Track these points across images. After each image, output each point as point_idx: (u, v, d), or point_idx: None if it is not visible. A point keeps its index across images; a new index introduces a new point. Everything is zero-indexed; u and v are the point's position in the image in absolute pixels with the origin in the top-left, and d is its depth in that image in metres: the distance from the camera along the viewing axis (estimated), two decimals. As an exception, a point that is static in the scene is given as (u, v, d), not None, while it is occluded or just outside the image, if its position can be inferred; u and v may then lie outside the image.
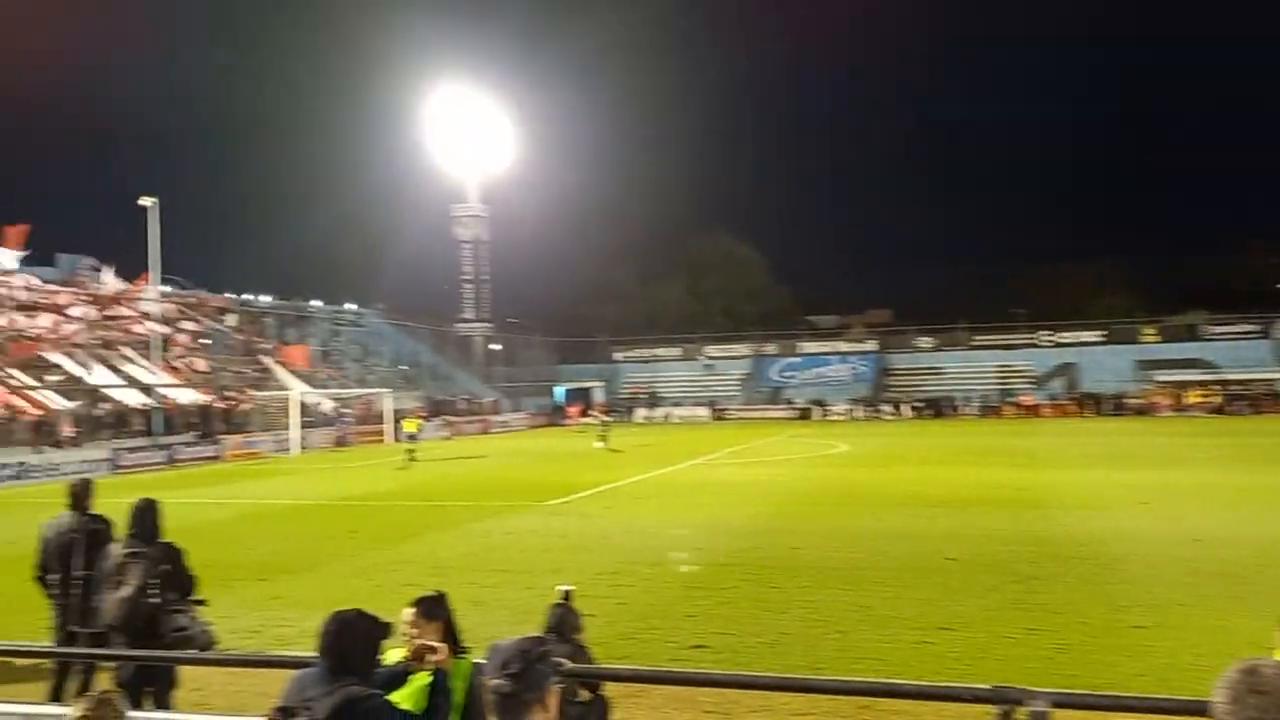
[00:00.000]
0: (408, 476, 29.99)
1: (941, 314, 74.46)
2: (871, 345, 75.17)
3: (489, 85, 76.22)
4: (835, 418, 64.87)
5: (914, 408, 65.37)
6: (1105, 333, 69.79)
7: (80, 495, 8.33)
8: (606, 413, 48.68)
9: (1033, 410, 62.65)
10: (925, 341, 74.47)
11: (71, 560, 8.00)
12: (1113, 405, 61.42)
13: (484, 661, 3.98)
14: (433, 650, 4.13)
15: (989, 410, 64.20)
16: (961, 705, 4.90)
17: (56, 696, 7.53)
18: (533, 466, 33.39)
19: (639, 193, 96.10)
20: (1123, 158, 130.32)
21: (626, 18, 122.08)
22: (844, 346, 75.84)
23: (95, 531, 8.08)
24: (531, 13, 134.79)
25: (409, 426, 36.79)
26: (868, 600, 11.66)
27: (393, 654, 4.34)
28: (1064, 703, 4.62)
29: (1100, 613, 10.87)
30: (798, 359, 75.67)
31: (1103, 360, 66.40)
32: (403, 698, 4.07)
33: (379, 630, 3.94)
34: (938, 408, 65.01)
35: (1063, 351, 69.31)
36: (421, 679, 4.11)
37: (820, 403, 67.65)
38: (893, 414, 64.91)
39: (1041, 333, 71.11)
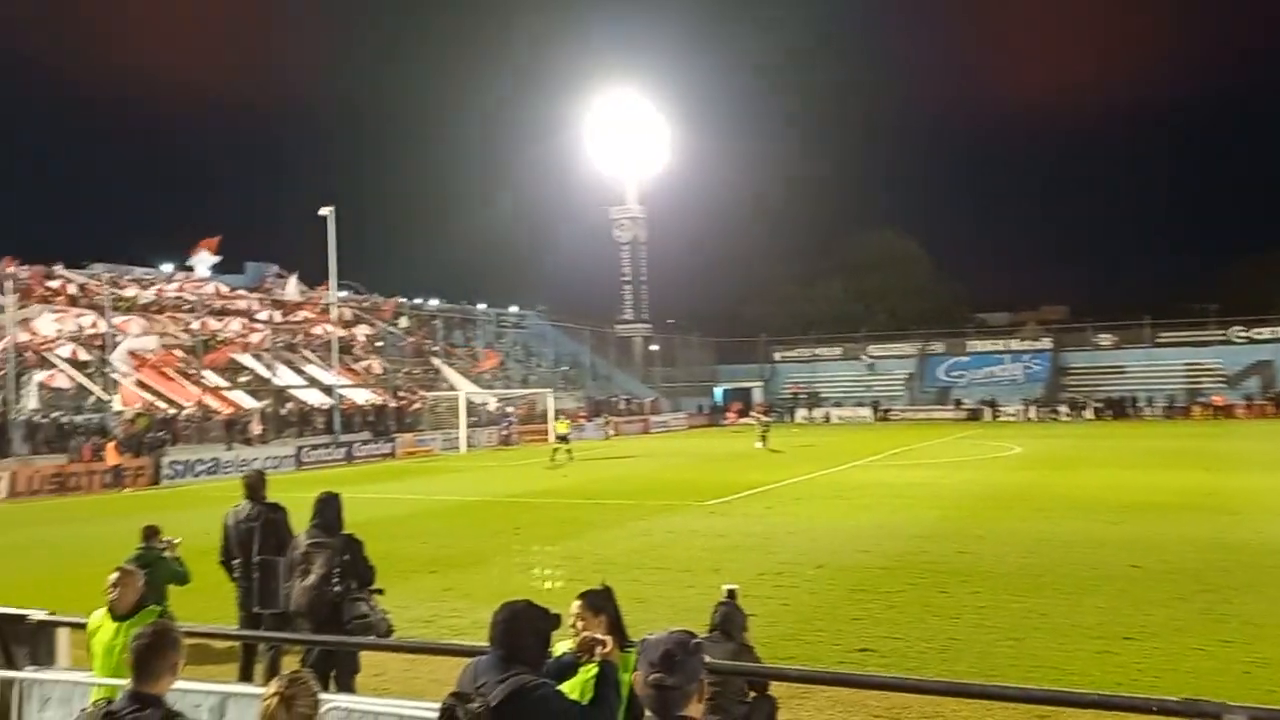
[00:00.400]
0: (572, 475, 30.51)
1: (1122, 310, 70.83)
2: (1046, 343, 72.15)
3: (647, 86, 76.98)
4: (1007, 419, 62.59)
5: (1093, 408, 62.45)
6: (1307, 327, 64.95)
7: (255, 486, 8.87)
8: (766, 413, 48.45)
9: (1224, 411, 58.84)
10: (1105, 339, 70.93)
11: (250, 546, 8.51)
12: (1315, 406, 57.17)
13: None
14: (601, 643, 4.18)
15: (1176, 411, 60.65)
16: (1150, 718, 4.64)
17: (246, 676, 7.99)
18: (693, 466, 33.46)
19: (799, 191, 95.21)
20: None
21: (786, 17, 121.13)
22: (1016, 344, 73.01)
23: (271, 520, 8.58)
24: (690, 14, 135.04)
25: (559, 428, 37.46)
26: (1044, 607, 11.19)
27: (560, 646, 4.43)
28: (1266, 719, 4.32)
29: (1303, 627, 10.13)
30: (966, 358, 73.34)
31: (1304, 358, 61.86)
32: (571, 688, 4.13)
33: (547, 621, 4.02)
34: (1119, 408, 61.85)
35: (1258, 348, 64.75)
36: (589, 671, 4.17)
37: (990, 403, 65.40)
38: (1069, 415, 62.14)
39: (1234, 328, 66.68)
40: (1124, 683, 8.31)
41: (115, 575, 5.93)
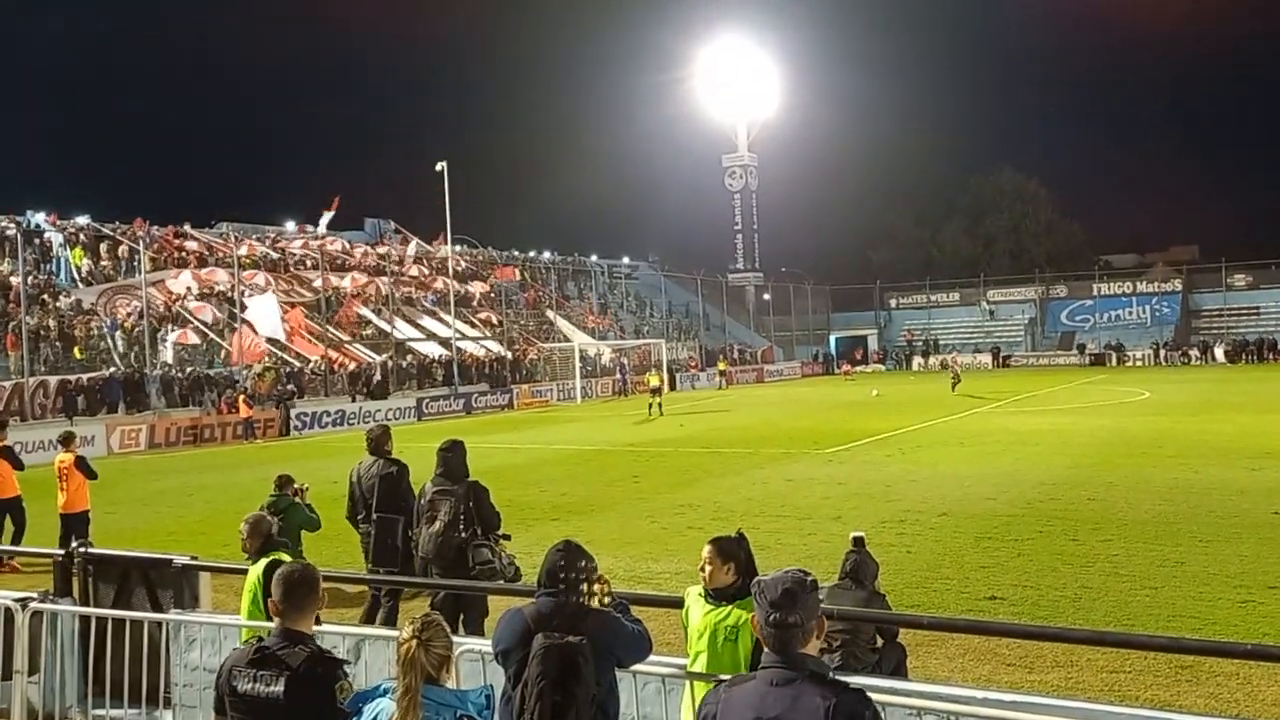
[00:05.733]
0: (688, 424, 30.51)
1: (1257, 249, 67.32)
2: (1175, 284, 69.16)
3: (758, 30, 75.71)
4: (1133, 364, 60.37)
5: (1226, 351, 59.74)
6: None
7: (379, 441, 9.02)
8: (882, 360, 48.29)
9: (1372, 352, 55.77)
10: (1239, 279, 67.63)
11: (372, 502, 8.71)
12: None
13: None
14: None
15: (1316, 353, 57.74)
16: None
17: (369, 622, 8.20)
18: (809, 414, 33.15)
19: (915, 133, 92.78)
20: None
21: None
22: (1143, 287, 70.19)
23: (389, 476, 8.74)
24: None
25: (651, 380, 37.22)
26: (1181, 555, 10.78)
27: (693, 590, 4.54)
28: None
29: None
30: (1090, 301, 70.81)
31: None
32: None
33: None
34: (1255, 351, 59.06)
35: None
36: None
37: (1116, 348, 63.10)
38: (1200, 359, 59.61)
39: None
40: (1271, 634, 7.95)
41: (246, 525, 6.17)
